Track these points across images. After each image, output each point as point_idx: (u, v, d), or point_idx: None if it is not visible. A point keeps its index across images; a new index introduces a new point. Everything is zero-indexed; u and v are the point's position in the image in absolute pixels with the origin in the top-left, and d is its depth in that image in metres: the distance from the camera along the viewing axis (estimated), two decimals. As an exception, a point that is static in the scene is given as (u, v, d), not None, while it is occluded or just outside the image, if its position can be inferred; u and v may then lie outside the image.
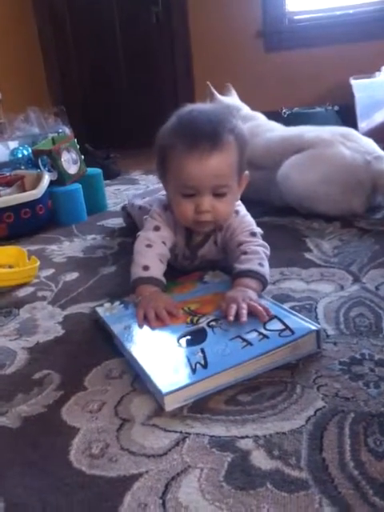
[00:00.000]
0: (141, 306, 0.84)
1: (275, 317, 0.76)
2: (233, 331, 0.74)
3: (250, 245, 0.92)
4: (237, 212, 0.98)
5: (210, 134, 0.85)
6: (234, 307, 0.77)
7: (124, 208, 1.48)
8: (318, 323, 0.81)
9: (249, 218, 0.99)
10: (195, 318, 0.80)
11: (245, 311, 0.76)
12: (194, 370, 0.66)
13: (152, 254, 0.93)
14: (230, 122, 0.90)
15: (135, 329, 0.80)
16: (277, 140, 1.50)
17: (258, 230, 0.97)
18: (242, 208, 1.01)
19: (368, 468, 0.51)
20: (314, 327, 0.72)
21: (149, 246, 0.94)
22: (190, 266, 1.03)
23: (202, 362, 0.68)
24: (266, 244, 0.94)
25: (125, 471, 0.54)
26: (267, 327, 0.74)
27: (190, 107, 0.92)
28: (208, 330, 0.76)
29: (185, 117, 0.90)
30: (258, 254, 0.90)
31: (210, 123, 0.86)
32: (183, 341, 0.75)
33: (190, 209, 0.90)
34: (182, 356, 0.70)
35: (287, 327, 0.73)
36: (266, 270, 0.88)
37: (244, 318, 0.75)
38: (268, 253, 0.93)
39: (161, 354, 0.72)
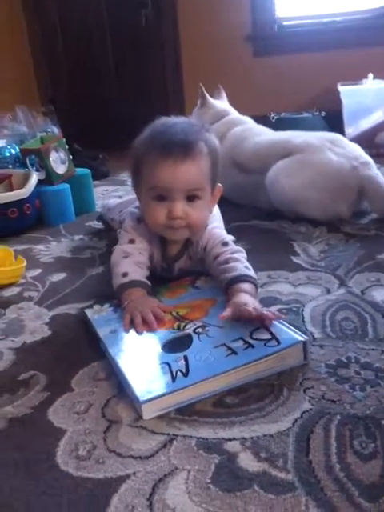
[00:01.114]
0: (127, 310, 0.84)
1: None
2: (218, 338, 0.73)
3: (226, 254, 0.93)
4: (205, 226, 0.97)
5: (183, 142, 0.86)
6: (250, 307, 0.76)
7: (100, 218, 1.48)
8: (305, 326, 0.81)
9: (217, 230, 0.99)
10: (182, 324, 0.80)
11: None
12: (173, 378, 0.65)
13: (129, 261, 0.93)
14: (202, 134, 0.91)
15: (121, 333, 0.80)
16: (265, 144, 1.51)
17: (229, 238, 0.98)
18: (210, 220, 1.00)
19: (354, 470, 0.52)
20: (301, 338, 0.70)
21: (125, 256, 0.94)
22: (169, 276, 1.02)
23: (183, 370, 0.66)
24: (241, 248, 0.95)
25: (112, 473, 0.54)
26: (254, 336, 0.72)
27: (163, 119, 0.93)
28: (194, 336, 0.75)
29: (158, 128, 0.91)
30: (238, 260, 0.90)
31: (184, 133, 0.88)
32: (167, 347, 0.74)
33: (162, 213, 0.89)
34: (164, 363, 0.69)
35: (273, 337, 0.71)
36: (253, 272, 0.89)
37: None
38: (245, 255, 0.93)
39: (143, 361, 0.71)
